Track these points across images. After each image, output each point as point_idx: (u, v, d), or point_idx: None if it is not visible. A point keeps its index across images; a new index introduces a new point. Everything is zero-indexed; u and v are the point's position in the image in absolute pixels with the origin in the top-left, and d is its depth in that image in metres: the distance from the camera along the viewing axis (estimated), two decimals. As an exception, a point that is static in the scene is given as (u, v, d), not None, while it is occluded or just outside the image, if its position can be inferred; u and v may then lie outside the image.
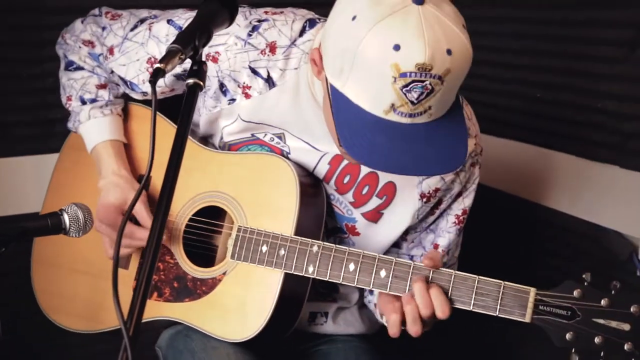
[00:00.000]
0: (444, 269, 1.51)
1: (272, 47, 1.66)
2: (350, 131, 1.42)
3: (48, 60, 2.08)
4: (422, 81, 1.35)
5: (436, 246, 1.80)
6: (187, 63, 1.32)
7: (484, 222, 2.39)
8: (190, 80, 1.28)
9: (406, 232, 1.82)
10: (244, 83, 1.68)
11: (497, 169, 2.37)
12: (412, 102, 1.37)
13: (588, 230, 2.08)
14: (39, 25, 2.20)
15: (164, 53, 1.70)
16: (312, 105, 1.66)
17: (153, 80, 1.24)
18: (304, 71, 1.66)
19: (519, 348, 2.37)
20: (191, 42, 1.30)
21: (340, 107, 1.44)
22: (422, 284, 1.49)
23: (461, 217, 1.79)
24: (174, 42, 1.28)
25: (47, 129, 2.22)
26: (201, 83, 1.29)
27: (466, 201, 1.78)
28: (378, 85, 1.36)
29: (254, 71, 1.67)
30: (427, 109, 1.39)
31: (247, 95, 1.69)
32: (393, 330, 1.54)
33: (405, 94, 1.36)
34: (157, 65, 1.25)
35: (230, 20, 1.42)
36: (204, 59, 1.66)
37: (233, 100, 1.71)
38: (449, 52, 1.35)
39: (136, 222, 1.77)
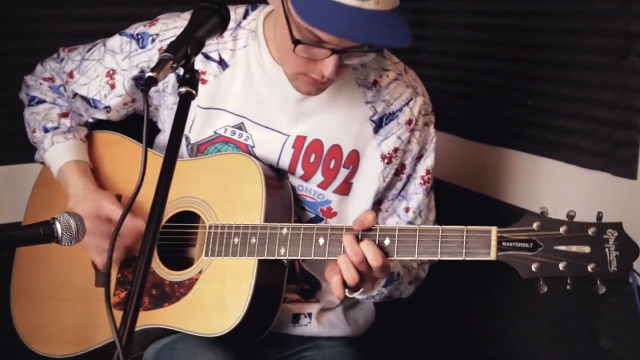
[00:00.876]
0: (409, 226, 1.56)
1: None
2: (303, 6, 1.50)
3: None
4: None
5: (407, 209, 1.87)
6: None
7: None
8: (183, 89, 1.32)
9: (379, 202, 1.88)
10: (199, 69, 1.77)
11: (488, 176, 2.41)
12: None
13: None
14: (31, 34, 2.27)
15: (120, 62, 1.82)
16: (264, 80, 1.76)
17: (145, 89, 1.27)
18: (252, 48, 1.77)
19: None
20: (182, 50, 1.34)
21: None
22: (351, 237, 1.56)
23: (426, 177, 1.87)
24: (165, 51, 1.33)
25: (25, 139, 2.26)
26: (193, 92, 1.33)
27: (428, 161, 1.87)
28: None
29: (206, 56, 1.78)
30: None
31: (203, 81, 1.78)
32: (337, 292, 1.59)
33: None
34: (150, 73, 1.28)
35: (222, 28, 1.48)
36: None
37: None
38: None
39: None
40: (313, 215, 1.86)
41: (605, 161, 1.96)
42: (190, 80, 1.33)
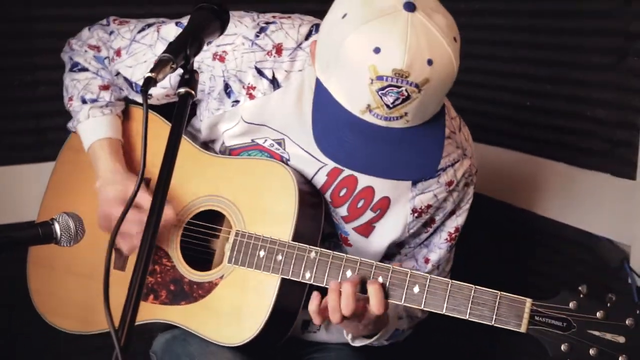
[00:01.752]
0: (441, 278, 1.52)
1: (279, 49, 1.68)
2: (325, 126, 1.46)
3: (40, 69, 2.10)
4: (399, 87, 1.37)
5: (427, 260, 1.82)
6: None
7: (474, 229, 2.41)
8: (182, 90, 1.29)
9: (400, 246, 1.83)
10: (249, 83, 1.70)
11: (487, 176, 2.35)
12: (387, 106, 1.39)
13: (579, 238, 2.08)
14: (31, 34, 2.22)
15: None
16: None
17: (144, 90, 1.24)
18: (308, 73, 1.68)
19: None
20: (182, 51, 1.31)
21: (321, 102, 1.47)
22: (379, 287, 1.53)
23: (453, 235, 1.81)
24: (165, 51, 1.29)
25: (38, 138, 2.24)
26: (192, 92, 1.29)
27: (459, 220, 1.80)
28: (356, 84, 1.39)
29: (259, 72, 1.69)
30: (404, 114, 1.41)
31: (251, 96, 1.71)
32: (316, 320, 1.58)
33: (381, 97, 1.38)
34: (148, 74, 1.25)
35: (222, 29, 1.43)
36: (211, 58, 1.69)
37: (237, 102, 1.72)
38: (429, 62, 1.36)
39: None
40: (333, 232, 1.82)
41: (604, 161, 1.95)
42: (190, 81, 1.30)
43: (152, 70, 1.25)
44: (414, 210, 1.74)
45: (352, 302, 1.51)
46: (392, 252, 1.83)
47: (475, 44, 2.38)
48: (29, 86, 2.19)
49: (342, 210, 1.76)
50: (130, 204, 1.22)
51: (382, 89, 1.37)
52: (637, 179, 1.86)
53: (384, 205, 1.74)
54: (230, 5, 1.47)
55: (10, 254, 1.41)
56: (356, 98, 1.41)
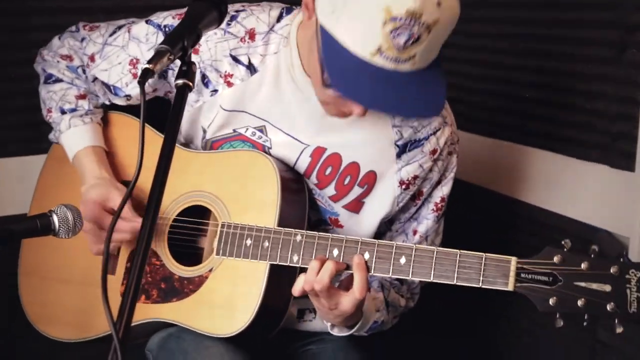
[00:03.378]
0: (427, 246, 1.53)
1: (251, 34, 1.71)
2: (336, 70, 1.45)
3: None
4: (411, 27, 1.39)
5: (415, 232, 1.84)
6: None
7: (471, 221, 2.42)
8: (180, 81, 1.30)
9: (391, 222, 1.84)
10: (226, 72, 1.72)
11: (487, 168, 2.39)
12: (398, 48, 1.41)
13: (578, 230, 2.09)
14: (28, 27, 2.25)
15: (145, 53, 1.76)
16: (292, 88, 1.71)
17: (141, 81, 1.25)
18: (283, 55, 1.70)
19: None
20: (180, 42, 1.31)
21: (326, 49, 1.47)
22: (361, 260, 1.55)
23: (439, 205, 1.83)
24: (162, 43, 1.30)
25: (35, 131, 2.24)
26: (190, 84, 1.31)
27: (444, 189, 1.82)
28: (368, 26, 1.40)
29: (235, 59, 1.72)
30: (412, 56, 1.43)
31: (230, 84, 1.73)
32: (297, 287, 1.59)
33: (392, 38, 1.40)
34: (146, 65, 1.26)
35: (219, 20, 1.44)
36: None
37: (215, 91, 1.74)
38: (438, 4, 1.39)
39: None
40: (322, 219, 1.83)
41: (603, 154, 1.95)
42: (187, 73, 1.31)
43: (149, 62, 1.26)
44: (401, 183, 1.76)
45: (327, 278, 1.53)
46: (383, 230, 1.84)
47: (474, 36, 2.43)
48: (25, 79, 2.18)
49: (330, 190, 1.77)
50: (119, 213, 1.24)
51: (395, 29, 1.39)
52: (636, 171, 1.87)
53: (371, 180, 1.76)
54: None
55: (7, 246, 1.41)
56: (367, 40, 1.42)
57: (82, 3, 2.05)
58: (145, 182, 1.23)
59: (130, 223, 1.74)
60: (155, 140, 1.82)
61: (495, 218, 2.42)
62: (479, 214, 2.46)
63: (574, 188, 2.06)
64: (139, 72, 1.75)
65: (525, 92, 2.22)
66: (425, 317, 2.26)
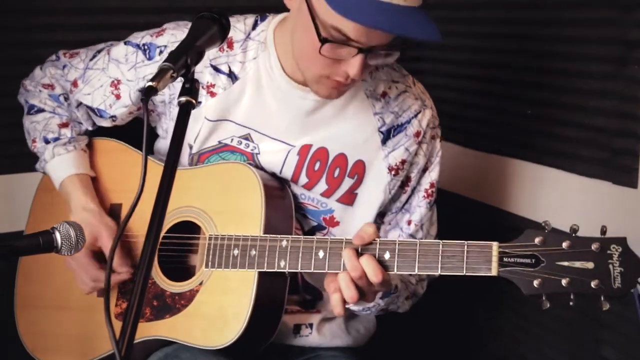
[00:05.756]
0: (410, 240, 1.54)
1: (229, 43, 1.76)
2: (338, 3, 1.47)
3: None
4: None
5: (409, 222, 1.85)
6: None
7: (473, 237, 2.41)
8: (183, 99, 1.32)
9: (383, 215, 1.86)
10: (208, 82, 1.76)
11: (489, 184, 2.39)
12: None
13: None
14: (30, 42, 2.28)
15: (125, 73, 1.80)
16: (273, 91, 1.74)
17: (145, 99, 1.28)
18: (262, 59, 1.75)
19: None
20: (182, 59, 1.33)
21: None
22: (350, 251, 1.53)
23: (430, 191, 1.84)
24: (165, 60, 1.32)
25: (22, 148, 2.25)
26: (193, 101, 1.33)
27: (432, 175, 1.84)
28: None
29: (215, 68, 1.76)
30: None
31: (212, 94, 1.76)
32: (337, 310, 1.57)
33: None
34: (150, 83, 1.28)
35: (222, 35, 1.47)
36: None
37: (199, 103, 1.77)
38: None
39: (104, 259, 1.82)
40: (315, 224, 1.84)
41: (605, 170, 1.94)
42: (191, 90, 1.33)
43: (152, 80, 1.28)
44: (390, 169, 1.79)
45: (379, 268, 1.52)
46: (377, 224, 1.85)
47: (474, 51, 2.46)
48: (13, 95, 2.17)
49: (321, 186, 1.79)
50: (111, 261, 1.31)
51: None
52: (638, 187, 1.85)
53: (360, 170, 1.79)
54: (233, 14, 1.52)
55: (10, 262, 1.41)
56: None
57: (85, 19, 2.09)
58: (141, 201, 1.25)
59: (116, 277, 1.79)
60: (137, 160, 1.85)
61: (494, 234, 2.37)
62: (476, 229, 2.45)
63: (575, 204, 2.04)
64: (122, 93, 1.80)
65: (525, 108, 2.22)
66: (422, 336, 2.27)
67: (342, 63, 1.56)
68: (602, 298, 1.38)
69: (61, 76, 1.92)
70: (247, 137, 1.78)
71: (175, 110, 1.77)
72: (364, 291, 1.55)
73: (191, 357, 1.73)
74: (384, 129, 1.79)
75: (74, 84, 1.87)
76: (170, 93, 1.78)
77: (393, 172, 1.79)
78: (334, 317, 1.93)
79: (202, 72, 1.76)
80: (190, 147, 1.83)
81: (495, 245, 1.45)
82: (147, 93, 1.28)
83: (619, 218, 1.89)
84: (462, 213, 2.38)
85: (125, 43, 1.83)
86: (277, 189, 1.77)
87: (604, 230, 1.41)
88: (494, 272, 1.44)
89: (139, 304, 1.17)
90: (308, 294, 1.89)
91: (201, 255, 1.78)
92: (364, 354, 1.96)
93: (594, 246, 1.39)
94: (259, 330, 1.70)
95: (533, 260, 1.42)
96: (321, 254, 1.60)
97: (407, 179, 1.83)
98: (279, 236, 1.65)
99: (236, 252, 1.68)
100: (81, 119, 1.91)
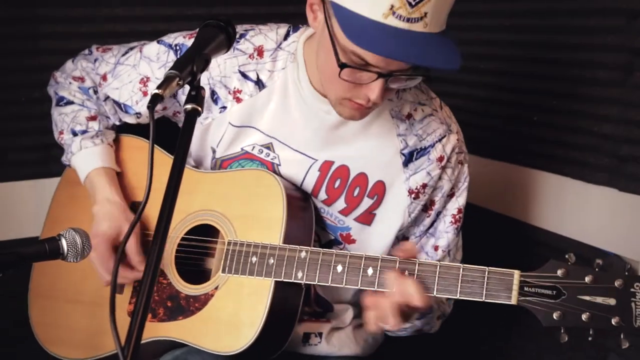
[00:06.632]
0: (429, 261, 1.53)
1: (260, 51, 1.75)
2: (353, 31, 1.46)
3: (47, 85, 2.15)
4: None
5: (436, 248, 1.83)
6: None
7: (478, 244, 2.40)
8: (189, 106, 1.32)
9: (405, 239, 1.84)
10: (235, 88, 1.76)
11: (495, 191, 2.38)
12: (409, 4, 1.42)
13: (588, 254, 2.05)
14: (37, 50, 2.29)
15: (155, 71, 1.80)
16: (299, 103, 1.74)
17: (151, 107, 1.28)
18: (291, 70, 1.74)
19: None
20: (188, 67, 1.33)
21: (340, 18, 1.48)
22: (396, 273, 1.51)
23: (457, 216, 1.82)
24: (171, 68, 1.32)
25: (46, 154, 2.27)
26: (199, 108, 1.32)
27: (460, 200, 1.83)
28: None
29: (243, 75, 1.76)
30: (424, 15, 1.44)
31: (239, 100, 1.76)
32: (372, 328, 1.56)
33: None
34: (155, 91, 1.28)
35: (229, 44, 1.47)
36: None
37: (224, 107, 1.77)
38: None
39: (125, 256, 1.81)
40: (332, 238, 1.83)
41: (611, 177, 1.94)
42: (197, 97, 1.33)
43: (159, 87, 1.29)
44: (410, 192, 1.77)
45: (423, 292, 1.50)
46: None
47: (483, 59, 2.45)
48: (35, 102, 2.24)
49: (340, 203, 1.78)
50: (121, 254, 1.29)
51: None
52: None
53: (380, 191, 1.77)
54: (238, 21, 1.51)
55: (16, 270, 1.41)
56: (379, 1, 1.43)
57: (92, 27, 2.09)
58: (155, 204, 1.24)
59: (133, 273, 1.79)
60: (165, 162, 1.85)
61: (502, 240, 2.39)
62: (486, 236, 2.44)
63: (582, 211, 2.04)
64: (149, 91, 1.81)
65: (533, 115, 2.22)
66: (430, 346, 2.25)
67: (363, 87, 1.56)
68: (622, 336, 1.37)
69: (92, 69, 1.92)
70: (268, 147, 1.78)
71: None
72: (406, 315, 1.54)
73: None
74: (406, 151, 1.77)
75: (104, 77, 1.88)
76: None
77: (413, 196, 1.77)
78: (343, 327, 1.92)
79: (230, 77, 1.76)
80: (214, 152, 1.83)
81: (517, 273, 1.44)
82: (153, 101, 1.27)
83: (626, 225, 1.91)
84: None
85: (158, 42, 1.84)
86: (299, 199, 1.76)
87: (627, 267, 1.39)
88: (513, 301, 1.43)
89: (146, 306, 1.16)
90: (320, 306, 1.88)
91: (218, 259, 1.78)
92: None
93: (617, 283, 1.37)
94: (271, 339, 1.69)
95: (554, 292, 1.41)
96: (340, 268, 1.59)
97: (431, 202, 1.81)
98: (298, 247, 1.64)
99: (254, 259, 1.67)
100: (108, 113, 1.91)
